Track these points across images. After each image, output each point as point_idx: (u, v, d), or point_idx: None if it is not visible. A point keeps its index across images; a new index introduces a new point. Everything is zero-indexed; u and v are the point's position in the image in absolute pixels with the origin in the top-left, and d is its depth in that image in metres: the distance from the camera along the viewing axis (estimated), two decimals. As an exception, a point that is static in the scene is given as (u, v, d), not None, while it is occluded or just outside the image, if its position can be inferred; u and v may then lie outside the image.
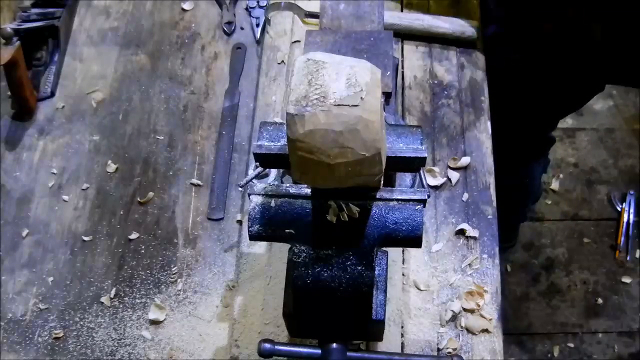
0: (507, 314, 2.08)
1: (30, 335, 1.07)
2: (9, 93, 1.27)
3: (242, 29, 1.36)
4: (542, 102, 1.40)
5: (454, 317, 1.03)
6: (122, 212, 1.17)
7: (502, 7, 1.32)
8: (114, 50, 1.35)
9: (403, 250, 1.09)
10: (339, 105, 0.60)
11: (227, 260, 1.12)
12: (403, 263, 1.08)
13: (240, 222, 1.14)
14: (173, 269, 1.11)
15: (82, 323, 1.08)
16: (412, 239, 0.75)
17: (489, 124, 1.21)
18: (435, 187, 1.15)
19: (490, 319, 1.02)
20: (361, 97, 0.60)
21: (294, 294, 0.76)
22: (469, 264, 1.07)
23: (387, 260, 0.82)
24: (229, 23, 1.36)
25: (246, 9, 1.37)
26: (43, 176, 1.22)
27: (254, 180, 0.79)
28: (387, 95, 0.92)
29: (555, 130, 1.71)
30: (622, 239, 2.23)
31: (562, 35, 1.23)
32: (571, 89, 1.37)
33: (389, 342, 0.99)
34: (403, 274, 1.07)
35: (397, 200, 0.75)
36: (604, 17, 1.15)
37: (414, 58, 1.29)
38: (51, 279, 1.12)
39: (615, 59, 1.25)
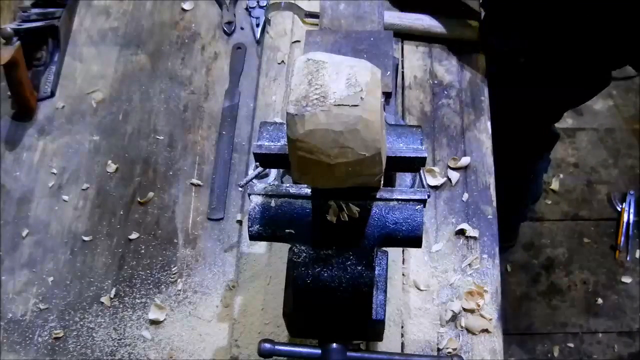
0: (507, 314, 2.08)
1: (30, 335, 1.07)
2: (9, 93, 1.27)
3: (242, 29, 1.36)
4: (548, 93, 1.40)
5: (454, 317, 1.03)
6: (122, 212, 1.17)
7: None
8: (114, 50, 1.35)
9: (403, 250, 1.09)
10: (339, 105, 0.60)
11: (227, 260, 1.12)
12: (403, 263, 1.08)
13: (240, 222, 1.14)
14: (173, 269, 1.11)
15: (82, 323, 1.08)
16: (412, 239, 0.75)
17: (489, 124, 1.21)
18: (435, 187, 1.15)
19: (490, 319, 1.02)
20: (361, 97, 0.60)
21: (294, 294, 0.76)
22: (469, 264, 1.07)
23: (387, 260, 0.82)
24: (229, 23, 1.36)
25: (246, 9, 1.37)
26: (43, 176, 1.22)
27: (254, 180, 0.79)
28: (387, 95, 0.92)
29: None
30: (622, 239, 2.22)
31: (562, 31, 1.22)
32: (577, 80, 1.37)
33: (389, 342, 0.99)
34: (403, 274, 1.07)
35: (397, 200, 0.75)
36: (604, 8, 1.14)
37: (414, 58, 1.29)
38: (51, 279, 1.12)
39: (620, 49, 1.24)
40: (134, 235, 1.15)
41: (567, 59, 1.29)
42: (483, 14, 1.31)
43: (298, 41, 1.31)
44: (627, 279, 2.18)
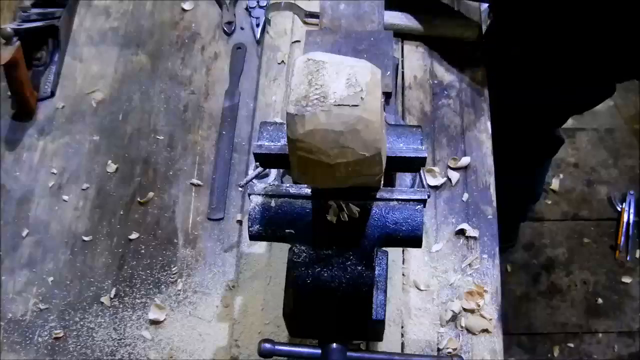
0: (507, 314, 2.08)
1: (30, 335, 1.07)
2: (9, 93, 1.27)
3: (242, 29, 1.36)
4: (550, 97, 1.40)
5: (454, 317, 1.03)
6: (122, 212, 1.17)
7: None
8: (114, 50, 1.35)
9: (403, 250, 1.09)
10: (339, 105, 0.60)
11: (227, 260, 1.12)
12: (403, 263, 1.08)
13: (240, 222, 1.14)
14: (173, 269, 1.11)
15: (82, 323, 1.08)
16: (412, 239, 0.75)
17: (489, 124, 1.21)
18: (435, 187, 1.15)
19: (490, 319, 1.02)
20: (361, 97, 0.60)
21: (294, 294, 0.76)
22: (469, 264, 1.08)
23: (387, 260, 0.82)
24: (229, 23, 1.36)
25: (246, 9, 1.37)
26: (43, 176, 1.22)
27: (254, 180, 0.79)
28: (387, 95, 0.92)
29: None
30: (622, 239, 2.23)
31: (567, 39, 1.22)
32: (581, 89, 1.37)
33: (389, 342, 0.99)
34: (403, 274, 1.07)
35: (397, 200, 0.75)
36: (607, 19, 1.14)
37: (414, 58, 1.29)
38: (51, 279, 1.12)
39: (624, 60, 1.25)
40: (134, 235, 1.15)
41: (571, 65, 1.28)
42: (487, 19, 1.31)
43: (298, 41, 1.31)
44: (627, 279, 2.18)
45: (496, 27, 1.30)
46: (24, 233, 1.16)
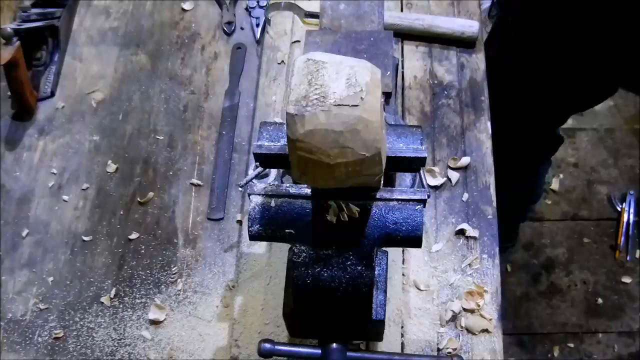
0: (507, 314, 2.08)
1: (30, 335, 1.07)
2: (9, 93, 1.27)
3: (242, 29, 1.36)
4: (552, 98, 1.40)
5: (454, 317, 1.03)
6: (122, 212, 1.17)
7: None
8: (114, 50, 1.35)
9: (403, 250, 1.09)
10: (339, 105, 0.60)
11: (227, 260, 1.12)
12: (403, 263, 1.08)
13: (240, 222, 1.14)
14: (173, 269, 1.11)
15: (82, 323, 1.08)
16: (412, 239, 0.75)
17: (489, 124, 1.21)
18: (435, 187, 1.15)
19: (490, 319, 1.02)
20: (361, 97, 0.60)
21: (294, 294, 0.76)
22: (469, 264, 1.08)
23: (387, 260, 0.82)
24: (229, 23, 1.36)
25: (246, 9, 1.37)
26: (43, 176, 1.22)
27: (254, 180, 0.79)
28: (387, 95, 0.92)
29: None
30: (622, 239, 2.23)
31: (570, 41, 1.22)
32: (582, 89, 1.37)
33: (389, 342, 0.99)
34: (403, 274, 1.07)
35: (397, 200, 0.75)
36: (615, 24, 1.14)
37: (414, 58, 1.29)
38: (51, 279, 1.12)
39: (628, 63, 1.24)
40: (134, 235, 1.15)
41: (573, 64, 1.28)
42: (487, 19, 1.31)
43: (298, 41, 1.31)
44: (627, 279, 2.18)
45: (499, 28, 1.30)
46: (24, 233, 1.16)
